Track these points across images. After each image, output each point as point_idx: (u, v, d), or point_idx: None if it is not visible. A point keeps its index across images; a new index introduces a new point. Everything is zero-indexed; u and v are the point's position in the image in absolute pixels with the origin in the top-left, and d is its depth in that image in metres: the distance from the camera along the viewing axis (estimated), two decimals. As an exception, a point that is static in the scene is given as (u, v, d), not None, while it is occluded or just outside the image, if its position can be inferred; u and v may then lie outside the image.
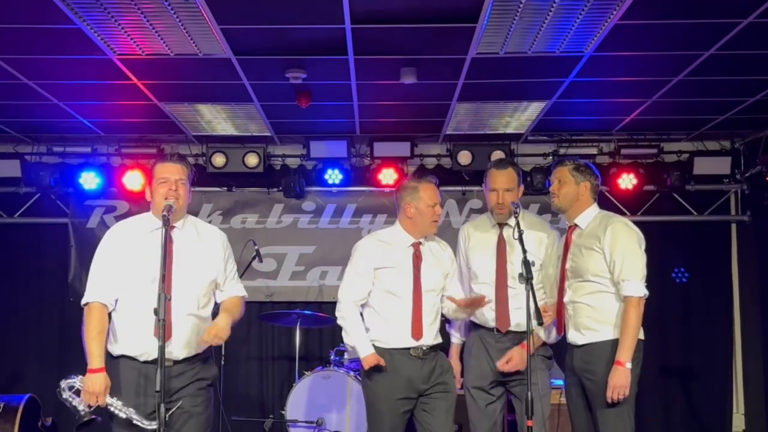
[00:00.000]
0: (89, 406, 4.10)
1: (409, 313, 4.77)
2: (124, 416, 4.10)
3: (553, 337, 4.94)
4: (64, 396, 4.18)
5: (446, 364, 4.91)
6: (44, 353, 8.20)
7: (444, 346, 5.00)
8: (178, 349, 4.21)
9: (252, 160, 8.01)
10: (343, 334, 4.91)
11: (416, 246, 4.87)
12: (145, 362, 4.18)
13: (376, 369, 4.75)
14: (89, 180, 8.06)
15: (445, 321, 5.14)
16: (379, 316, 4.83)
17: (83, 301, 4.26)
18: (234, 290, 4.52)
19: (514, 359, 4.77)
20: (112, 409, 4.12)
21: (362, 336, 4.80)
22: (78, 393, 4.15)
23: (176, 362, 4.21)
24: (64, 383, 4.20)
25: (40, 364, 8.17)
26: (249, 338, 8.39)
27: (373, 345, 4.78)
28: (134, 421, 4.09)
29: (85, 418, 4.13)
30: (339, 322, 4.91)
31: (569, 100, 6.74)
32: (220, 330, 4.21)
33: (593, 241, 4.64)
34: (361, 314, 4.89)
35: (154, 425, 4.03)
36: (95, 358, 4.12)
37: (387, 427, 4.77)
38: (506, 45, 5.40)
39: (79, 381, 4.16)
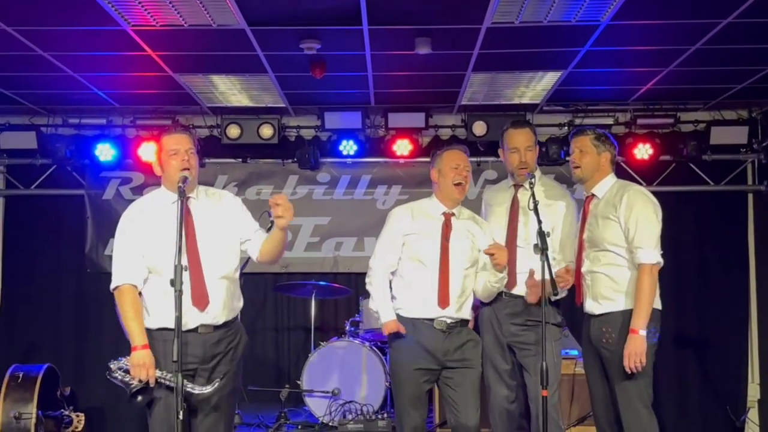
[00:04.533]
0: (140, 381, 4.13)
1: (435, 281, 4.76)
2: (173, 385, 4.11)
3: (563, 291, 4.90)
4: (113, 375, 4.21)
5: (474, 339, 4.88)
6: (62, 324, 8.27)
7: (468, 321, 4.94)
8: (218, 313, 4.28)
9: (266, 131, 8.00)
10: (370, 299, 5.02)
11: (447, 216, 4.87)
12: (187, 331, 4.17)
13: (398, 337, 4.80)
14: (105, 152, 8.09)
15: None
16: (406, 284, 4.87)
17: (112, 286, 4.28)
18: (263, 236, 4.51)
19: (536, 287, 4.66)
20: (162, 381, 4.15)
21: (386, 302, 4.87)
22: (127, 371, 4.18)
23: (216, 327, 4.28)
24: (113, 364, 4.23)
25: (58, 334, 8.25)
26: (265, 309, 8.45)
27: (398, 314, 4.83)
28: (187, 388, 4.10)
29: (137, 387, 4.15)
30: (367, 287, 4.99)
31: (585, 69, 6.69)
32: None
33: (610, 210, 4.64)
34: (390, 283, 4.93)
35: (206, 390, 4.15)
36: (136, 336, 4.16)
37: (407, 395, 4.81)
38: (522, 14, 5.37)
39: (126, 361, 4.20)
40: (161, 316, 4.24)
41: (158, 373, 4.15)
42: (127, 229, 4.32)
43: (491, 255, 4.65)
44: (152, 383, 4.14)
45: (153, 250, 4.24)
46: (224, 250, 4.35)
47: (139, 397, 4.18)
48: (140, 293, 4.29)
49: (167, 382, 4.14)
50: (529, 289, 4.76)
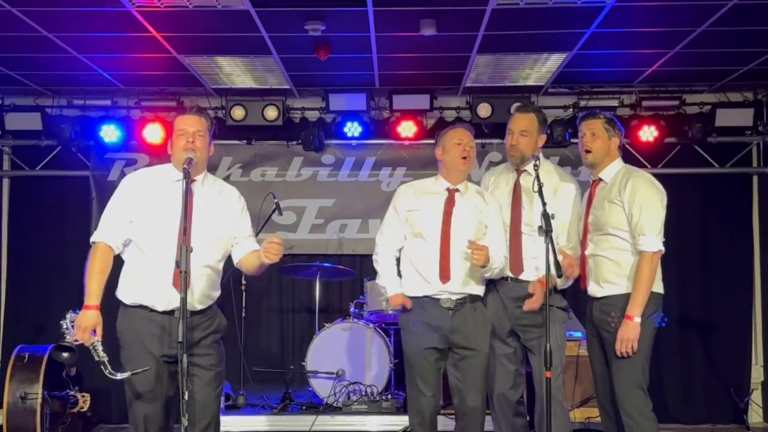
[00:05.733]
0: (75, 341, 4.23)
1: (436, 254, 4.78)
2: (96, 359, 4.17)
3: (569, 281, 4.91)
4: (63, 325, 4.33)
5: (480, 319, 4.86)
6: (67, 305, 8.13)
7: (481, 298, 4.93)
8: (196, 300, 4.27)
9: (271, 113, 8.00)
10: (377, 277, 5.05)
11: (451, 192, 4.89)
12: (163, 312, 4.23)
13: (408, 318, 4.85)
14: (110, 133, 8.09)
15: None
16: (410, 261, 4.90)
17: (91, 239, 4.35)
18: (251, 245, 4.55)
19: (537, 293, 4.69)
20: (91, 349, 4.18)
21: (391, 276, 4.95)
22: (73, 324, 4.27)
23: (193, 313, 4.26)
24: (69, 314, 4.33)
25: (64, 315, 8.23)
26: (269, 291, 8.47)
27: (405, 294, 4.88)
28: (102, 367, 4.15)
29: (65, 343, 4.23)
30: (374, 265, 5.05)
31: (590, 51, 6.67)
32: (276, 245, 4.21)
33: (615, 195, 4.65)
34: (398, 263, 4.97)
35: (120, 376, 4.16)
36: (91, 296, 4.22)
37: (419, 375, 4.83)
38: (527, -5, 5.36)
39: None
40: (140, 293, 4.26)
41: (93, 339, 4.16)
42: (123, 191, 4.38)
43: (472, 252, 4.60)
44: (87, 344, 4.19)
45: (142, 222, 4.27)
46: (213, 240, 4.35)
47: (64, 354, 4.28)
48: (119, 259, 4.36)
49: (93, 352, 4.17)
50: (532, 295, 4.75)
